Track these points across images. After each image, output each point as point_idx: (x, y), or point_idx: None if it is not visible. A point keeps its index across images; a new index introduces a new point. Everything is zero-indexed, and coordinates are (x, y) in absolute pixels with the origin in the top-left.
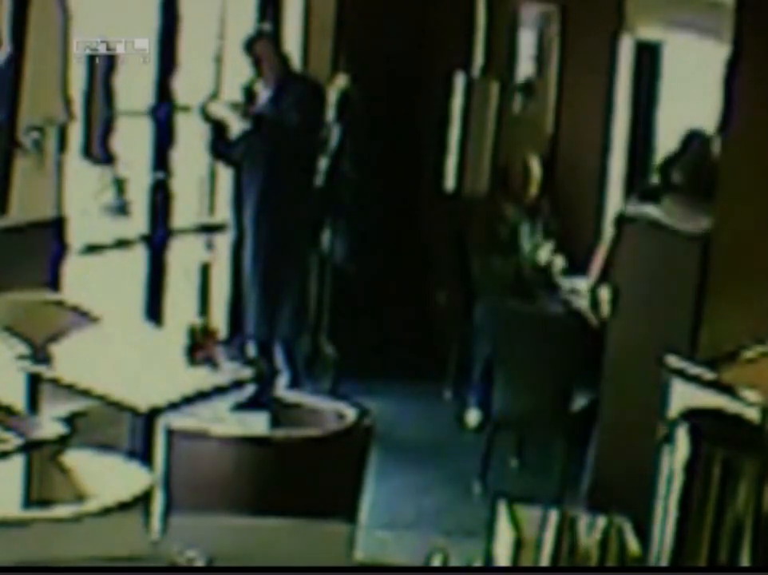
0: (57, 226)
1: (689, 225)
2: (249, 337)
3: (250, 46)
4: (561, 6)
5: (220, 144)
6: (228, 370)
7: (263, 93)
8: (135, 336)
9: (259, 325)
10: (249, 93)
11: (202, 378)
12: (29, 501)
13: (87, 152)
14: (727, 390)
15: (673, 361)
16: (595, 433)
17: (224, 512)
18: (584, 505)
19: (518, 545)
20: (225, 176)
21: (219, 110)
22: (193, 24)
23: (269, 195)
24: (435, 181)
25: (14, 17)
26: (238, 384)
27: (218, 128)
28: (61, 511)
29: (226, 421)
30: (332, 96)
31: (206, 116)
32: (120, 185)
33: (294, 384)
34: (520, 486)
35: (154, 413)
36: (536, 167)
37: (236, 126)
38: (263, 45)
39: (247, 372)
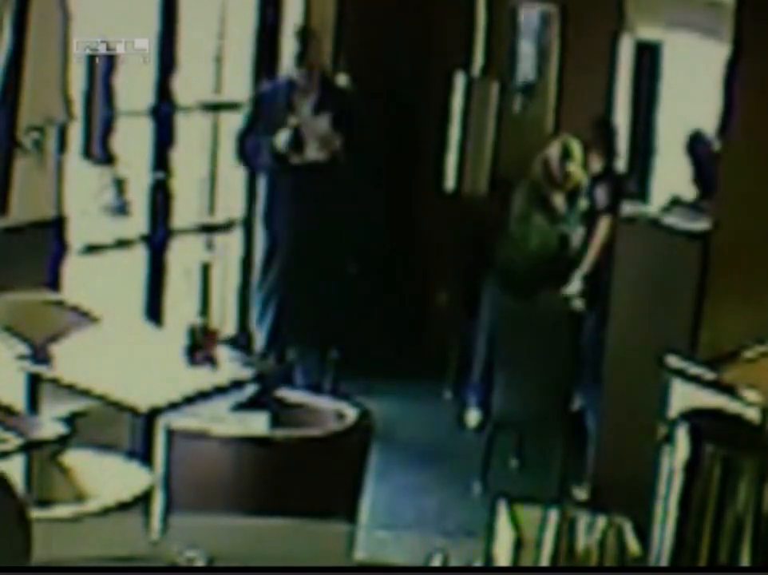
0: (57, 226)
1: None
2: (287, 344)
3: (305, 38)
4: (561, 6)
5: (269, 157)
6: (228, 369)
7: (304, 97)
8: (135, 336)
9: (305, 333)
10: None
11: (202, 378)
12: (29, 501)
13: (87, 152)
14: (727, 390)
15: (673, 361)
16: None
17: (224, 512)
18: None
19: (518, 545)
20: (225, 176)
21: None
22: (193, 24)
23: (326, 206)
24: (435, 181)
25: (14, 18)
26: (238, 384)
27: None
28: (61, 511)
29: (226, 421)
30: None
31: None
32: (120, 185)
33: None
34: (520, 486)
35: (154, 413)
36: (577, 151)
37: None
38: (315, 44)
39: (247, 372)
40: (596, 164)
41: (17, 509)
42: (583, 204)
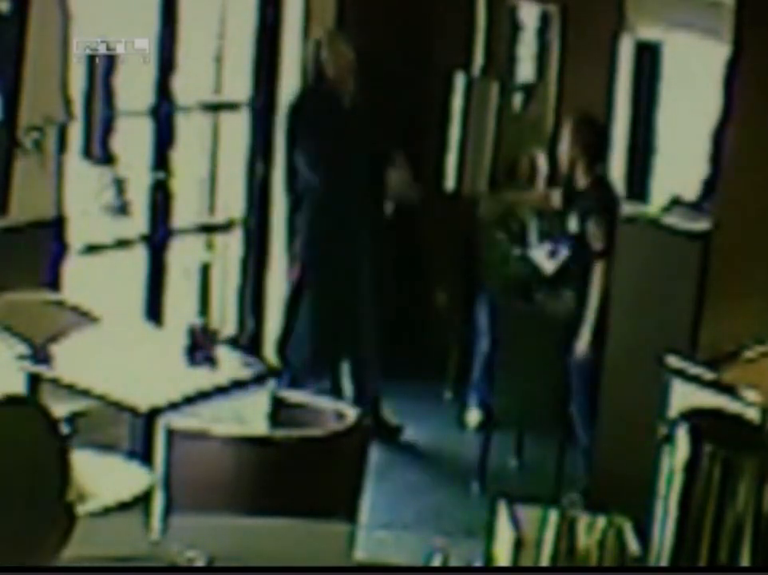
0: (57, 226)
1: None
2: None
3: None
4: (561, 6)
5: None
6: (228, 369)
7: (342, 100)
8: (135, 336)
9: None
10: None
11: (202, 378)
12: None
13: (87, 152)
14: (727, 390)
15: (673, 361)
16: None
17: (224, 512)
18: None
19: (518, 545)
20: (225, 176)
21: None
22: (193, 24)
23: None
24: (435, 181)
25: (15, 18)
26: (238, 384)
27: None
28: None
29: (226, 421)
30: None
31: None
32: (120, 185)
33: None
34: (520, 486)
35: (154, 413)
36: (542, 163)
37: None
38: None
39: (247, 372)
40: (582, 179)
41: (57, 447)
42: (572, 225)
